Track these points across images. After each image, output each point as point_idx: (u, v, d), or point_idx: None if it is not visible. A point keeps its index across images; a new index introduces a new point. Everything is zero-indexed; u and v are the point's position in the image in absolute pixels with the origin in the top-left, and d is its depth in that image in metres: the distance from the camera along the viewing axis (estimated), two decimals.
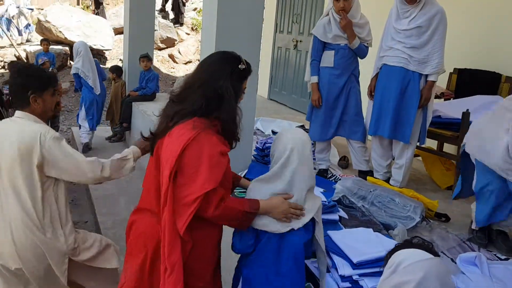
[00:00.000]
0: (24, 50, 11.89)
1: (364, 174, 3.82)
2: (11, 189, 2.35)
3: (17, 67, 2.44)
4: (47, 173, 2.35)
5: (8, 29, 12.32)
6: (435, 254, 1.44)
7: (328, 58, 3.84)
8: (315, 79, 3.92)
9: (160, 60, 12.64)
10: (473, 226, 2.89)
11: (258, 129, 5.17)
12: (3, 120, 2.53)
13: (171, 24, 13.59)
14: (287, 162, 1.81)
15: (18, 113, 2.40)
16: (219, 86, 1.77)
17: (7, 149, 2.31)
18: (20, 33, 12.67)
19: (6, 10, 12.58)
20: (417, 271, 1.27)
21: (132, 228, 1.98)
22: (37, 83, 2.36)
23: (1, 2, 10.15)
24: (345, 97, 3.86)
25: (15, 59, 10.99)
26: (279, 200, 1.82)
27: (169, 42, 13.20)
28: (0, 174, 2.36)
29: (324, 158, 4.03)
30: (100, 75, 6.65)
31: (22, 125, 2.33)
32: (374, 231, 2.47)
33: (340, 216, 2.66)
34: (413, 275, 1.26)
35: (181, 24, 14.23)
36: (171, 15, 14.40)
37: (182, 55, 13.22)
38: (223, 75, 1.79)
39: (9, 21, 12.48)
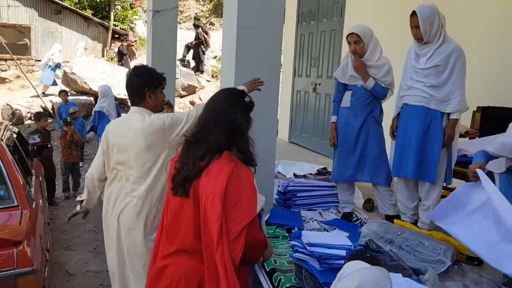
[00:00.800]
0: (50, 101, 12.28)
1: (390, 219, 3.70)
2: (138, 178, 2.70)
3: (133, 69, 2.87)
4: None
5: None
6: (378, 264, 1.57)
7: (346, 99, 3.86)
8: (334, 118, 3.95)
9: (181, 107, 12.88)
10: None
11: (280, 173, 5.13)
12: (122, 116, 2.93)
13: (192, 72, 13.93)
14: None
15: (134, 108, 2.81)
16: (233, 120, 1.90)
17: (132, 140, 2.67)
18: (54, 83, 13.10)
19: (52, 56, 13.12)
20: (355, 278, 1.42)
21: (165, 273, 1.93)
22: (151, 82, 2.80)
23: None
24: (363, 140, 3.81)
25: (41, 110, 11.33)
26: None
27: (190, 90, 13.48)
28: (129, 165, 2.71)
29: (348, 200, 3.94)
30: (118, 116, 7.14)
31: (143, 118, 2.70)
32: (403, 276, 2.36)
33: None
34: (350, 283, 1.41)
35: (202, 72, 14.58)
36: (192, 64, 14.79)
37: (203, 101, 13.46)
38: (235, 110, 1.92)
39: (53, 69, 12.96)
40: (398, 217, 3.76)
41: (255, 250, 1.78)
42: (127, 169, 2.75)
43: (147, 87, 2.78)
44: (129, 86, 2.84)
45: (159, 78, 2.85)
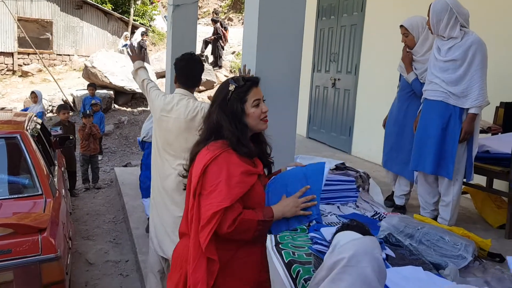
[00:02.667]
0: (71, 94, 12.46)
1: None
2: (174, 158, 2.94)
3: (195, 55, 3.13)
4: None
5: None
6: (368, 233, 1.63)
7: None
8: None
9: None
10: None
11: None
12: (169, 95, 3.10)
13: (211, 67, 13.97)
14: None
15: (181, 90, 3.04)
16: (215, 117, 1.88)
17: (174, 121, 2.93)
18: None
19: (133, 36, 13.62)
20: (348, 249, 1.48)
21: (174, 253, 2.05)
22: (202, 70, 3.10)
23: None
24: (398, 129, 4.03)
25: (62, 103, 11.50)
26: (288, 199, 1.86)
27: (209, 85, 13.52)
28: (170, 144, 2.95)
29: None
30: None
31: (188, 101, 2.95)
32: (424, 270, 2.35)
33: (386, 255, 2.55)
34: (345, 253, 1.47)
35: (220, 67, 14.62)
36: (211, 59, 14.83)
37: None
38: (216, 105, 1.91)
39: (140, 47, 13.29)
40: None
41: (242, 231, 1.76)
42: (167, 145, 3.00)
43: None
44: (190, 69, 3.07)
45: (202, 64, 3.18)
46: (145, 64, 3.53)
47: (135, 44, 13.30)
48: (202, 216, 1.75)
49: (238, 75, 2.03)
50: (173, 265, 2.01)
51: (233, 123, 1.85)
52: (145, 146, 4.91)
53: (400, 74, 4.09)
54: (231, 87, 1.87)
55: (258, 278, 1.94)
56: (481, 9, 4.31)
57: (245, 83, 1.88)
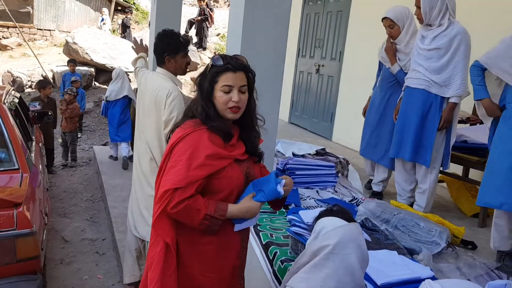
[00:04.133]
0: (51, 70, 12.20)
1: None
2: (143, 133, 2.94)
3: (160, 32, 2.97)
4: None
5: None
6: (352, 220, 1.62)
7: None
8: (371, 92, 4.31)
9: (183, 83, 12.82)
10: (491, 244, 2.92)
11: (279, 151, 5.13)
12: (150, 72, 3.10)
13: (195, 48, 13.81)
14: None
15: (159, 69, 2.97)
16: (195, 93, 1.85)
17: (148, 96, 2.89)
18: None
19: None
20: (333, 236, 1.49)
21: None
22: (170, 47, 2.91)
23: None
24: (378, 118, 4.07)
25: (42, 78, 11.26)
26: (251, 204, 1.77)
27: (192, 66, 13.38)
28: (143, 115, 2.95)
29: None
30: None
31: (161, 80, 2.89)
32: (398, 254, 2.39)
33: None
34: (330, 240, 1.48)
35: (204, 49, 14.46)
36: (195, 40, 14.66)
37: None
38: (197, 81, 1.85)
39: None
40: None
41: (187, 217, 1.70)
42: (140, 124, 3.03)
43: (166, 51, 2.91)
44: (153, 48, 3.00)
45: (178, 44, 2.94)
46: (127, 41, 3.50)
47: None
48: (158, 192, 1.72)
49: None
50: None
51: (204, 100, 1.79)
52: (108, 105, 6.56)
53: (380, 63, 4.12)
54: (210, 64, 1.82)
55: (232, 263, 1.89)
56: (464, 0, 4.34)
57: (222, 65, 1.79)
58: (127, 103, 6.67)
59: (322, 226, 1.59)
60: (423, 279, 2.06)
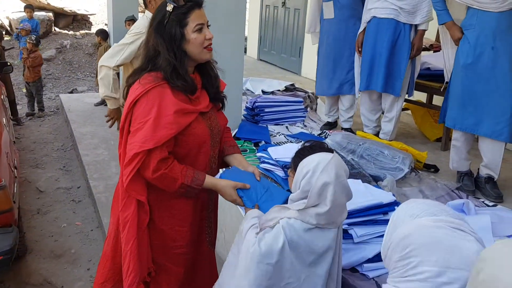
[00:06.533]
0: (7, 17, 11.58)
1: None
2: None
3: None
4: None
5: None
6: (330, 149, 1.63)
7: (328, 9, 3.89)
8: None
9: None
10: (450, 165, 3.08)
11: (248, 89, 5.12)
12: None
13: None
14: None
15: (147, 12, 3.12)
16: (151, 42, 1.68)
17: None
18: None
19: None
20: (331, 170, 1.49)
21: (114, 194, 1.96)
22: None
23: None
24: (339, 51, 3.94)
25: None
26: (228, 189, 1.73)
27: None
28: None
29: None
30: None
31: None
32: (362, 182, 2.49)
33: None
34: (328, 176, 1.49)
35: None
36: None
37: None
38: (152, 29, 1.68)
39: None
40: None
41: (164, 185, 1.66)
42: None
43: None
44: None
45: None
46: None
47: None
48: (126, 154, 1.64)
49: None
50: (112, 205, 1.92)
51: (171, 50, 1.64)
52: None
53: None
54: (169, 7, 1.64)
55: (199, 216, 1.88)
56: None
57: (185, 4, 1.64)
58: None
59: (315, 164, 1.52)
60: (385, 204, 2.18)
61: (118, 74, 3.35)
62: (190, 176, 1.67)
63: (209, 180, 1.72)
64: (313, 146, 1.64)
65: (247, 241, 1.55)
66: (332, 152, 1.59)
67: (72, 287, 3.10)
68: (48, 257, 3.43)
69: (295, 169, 1.60)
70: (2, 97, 4.71)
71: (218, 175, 1.85)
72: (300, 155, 1.61)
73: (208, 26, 1.71)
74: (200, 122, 1.73)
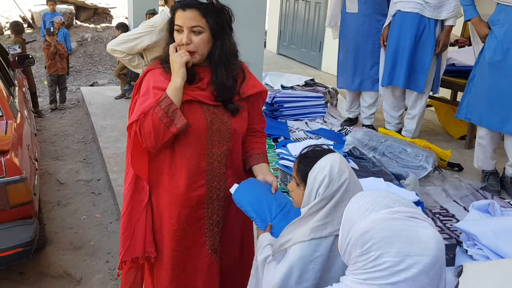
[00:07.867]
0: (30, 10, 11.73)
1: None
2: None
3: None
4: None
5: None
6: (331, 150, 1.54)
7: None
8: None
9: None
10: (475, 163, 2.99)
11: (267, 84, 5.09)
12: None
13: None
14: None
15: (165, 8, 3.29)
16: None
17: None
18: None
19: None
20: (344, 170, 1.39)
21: None
22: None
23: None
24: (362, 45, 3.90)
25: (20, 20, 10.87)
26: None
27: None
28: None
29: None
30: None
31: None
32: (384, 181, 2.44)
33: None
34: (343, 176, 1.39)
35: None
36: None
37: None
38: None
39: None
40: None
41: (155, 133, 1.64)
42: None
43: None
44: None
45: None
46: None
47: None
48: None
49: None
50: None
51: (168, 39, 1.74)
52: None
53: None
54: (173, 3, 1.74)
55: (195, 215, 1.79)
56: None
57: (178, 1, 1.64)
58: None
59: (330, 167, 1.41)
60: None
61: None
62: (158, 107, 1.62)
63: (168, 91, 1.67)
64: (314, 150, 1.54)
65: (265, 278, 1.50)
66: (333, 152, 1.54)
67: (91, 279, 3.12)
68: (67, 249, 3.45)
69: (303, 180, 1.48)
70: (24, 89, 4.76)
71: (232, 188, 1.74)
72: (304, 164, 1.50)
73: (193, 31, 1.64)
74: (196, 108, 1.69)
